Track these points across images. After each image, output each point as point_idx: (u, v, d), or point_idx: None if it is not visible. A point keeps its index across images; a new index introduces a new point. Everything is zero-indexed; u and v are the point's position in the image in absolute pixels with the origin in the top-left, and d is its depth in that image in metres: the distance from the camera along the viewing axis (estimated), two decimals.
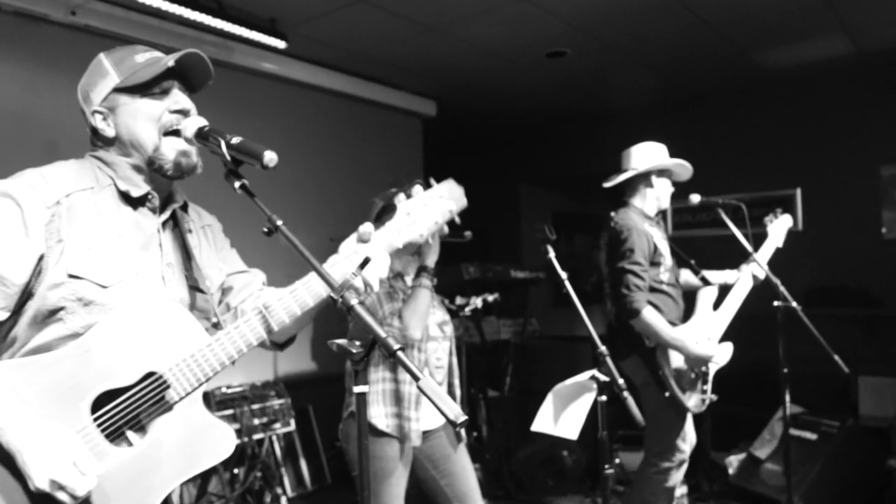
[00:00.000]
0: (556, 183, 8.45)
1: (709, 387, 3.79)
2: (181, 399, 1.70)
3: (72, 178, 1.77)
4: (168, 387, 1.68)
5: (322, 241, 4.27)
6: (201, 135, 1.77)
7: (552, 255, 2.86)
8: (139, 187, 1.84)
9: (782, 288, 3.78)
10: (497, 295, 4.91)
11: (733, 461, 5.10)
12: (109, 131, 1.86)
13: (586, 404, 2.84)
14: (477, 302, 4.47)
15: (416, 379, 1.40)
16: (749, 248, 3.84)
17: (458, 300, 4.59)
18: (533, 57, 6.05)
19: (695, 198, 3.84)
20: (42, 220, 1.67)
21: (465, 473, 3.21)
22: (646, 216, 3.99)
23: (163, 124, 1.82)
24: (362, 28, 5.37)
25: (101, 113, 1.86)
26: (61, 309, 1.66)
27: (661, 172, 4.02)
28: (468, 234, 2.29)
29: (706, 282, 4.11)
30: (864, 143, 6.31)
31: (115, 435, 1.65)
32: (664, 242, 3.98)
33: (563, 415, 2.82)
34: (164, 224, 1.90)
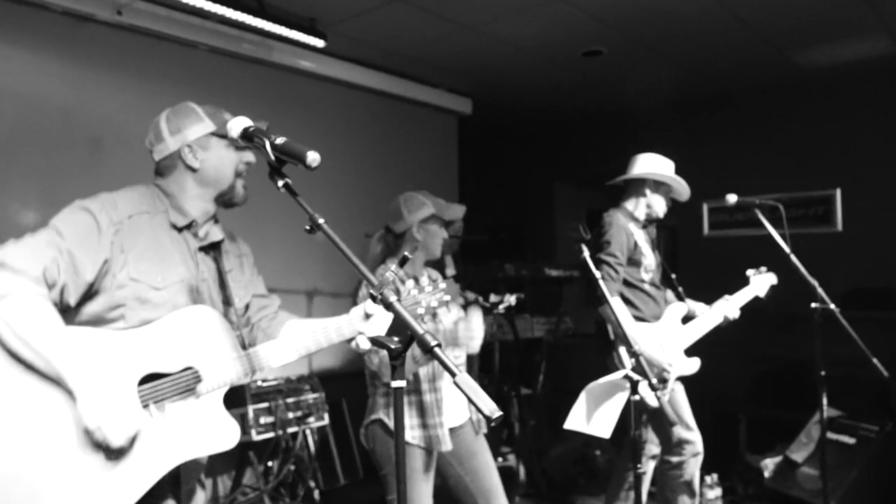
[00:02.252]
0: (589, 181, 8.44)
1: (666, 389, 3.76)
2: (207, 393, 2.09)
3: (135, 203, 2.16)
4: (200, 381, 2.09)
5: (358, 237, 4.33)
6: (246, 135, 1.83)
7: (586, 254, 2.87)
8: (185, 217, 2.22)
9: (820, 290, 3.74)
10: (525, 294, 4.92)
11: (769, 464, 5.04)
12: (195, 164, 2.22)
13: (619, 403, 2.85)
14: (511, 299, 4.47)
15: (453, 375, 1.43)
16: (786, 248, 3.80)
17: (493, 297, 4.60)
18: (568, 55, 6.05)
19: (731, 198, 3.82)
20: (110, 233, 2.05)
21: (488, 469, 3.24)
22: (634, 219, 4.09)
23: (238, 170, 2.29)
24: (399, 27, 5.42)
25: (191, 148, 2.21)
26: (123, 305, 2.05)
27: (658, 185, 4.07)
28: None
29: (681, 298, 4.19)
30: None
31: (143, 405, 2.01)
32: (648, 247, 4.06)
33: (596, 413, 2.84)
34: (203, 248, 2.29)
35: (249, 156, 2.28)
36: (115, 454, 1.92)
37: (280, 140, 1.74)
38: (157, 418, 2.00)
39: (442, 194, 3.41)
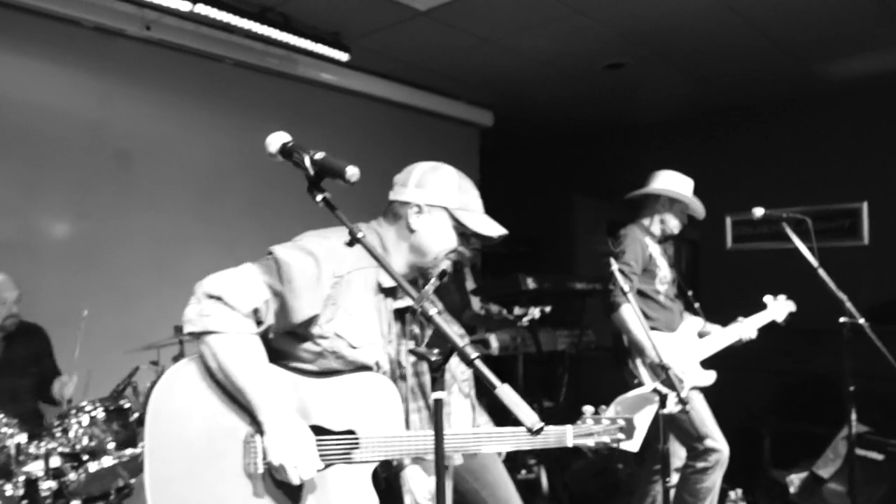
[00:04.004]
0: (609, 194, 8.45)
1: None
2: (360, 462, 2.09)
3: (359, 258, 2.10)
4: (357, 448, 2.08)
5: None
6: (285, 150, 1.84)
7: (615, 267, 2.88)
8: (391, 281, 2.16)
9: (849, 304, 3.71)
10: (550, 308, 4.92)
11: (794, 480, 4.98)
12: (414, 225, 2.22)
13: (648, 417, 2.85)
14: (535, 312, 4.49)
15: (494, 388, 1.45)
16: (814, 262, 3.78)
17: (517, 310, 4.61)
18: (589, 68, 6.08)
19: (758, 211, 3.79)
20: (328, 286, 2.05)
21: (503, 481, 3.20)
22: (649, 234, 4.14)
23: (447, 255, 2.24)
24: (422, 40, 5.47)
25: (420, 210, 2.22)
26: (319, 353, 2.09)
27: (674, 202, 4.11)
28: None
29: (697, 313, 4.23)
30: None
31: None
32: (663, 260, 4.12)
33: None
34: (396, 312, 2.25)
35: (464, 252, 2.29)
36: (271, 490, 2.00)
37: (319, 155, 1.76)
38: (318, 474, 2.05)
39: None
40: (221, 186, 5.37)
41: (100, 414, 3.50)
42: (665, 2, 4.75)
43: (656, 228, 4.16)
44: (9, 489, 3.06)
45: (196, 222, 5.21)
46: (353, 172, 1.69)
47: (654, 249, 4.08)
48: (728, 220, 7.21)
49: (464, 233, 2.23)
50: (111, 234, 4.81)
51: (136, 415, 3.64)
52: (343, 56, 5.38)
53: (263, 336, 2.04)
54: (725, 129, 7.41)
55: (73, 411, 3.45)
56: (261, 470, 1.97)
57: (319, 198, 1.77)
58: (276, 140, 1.87)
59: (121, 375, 3.97)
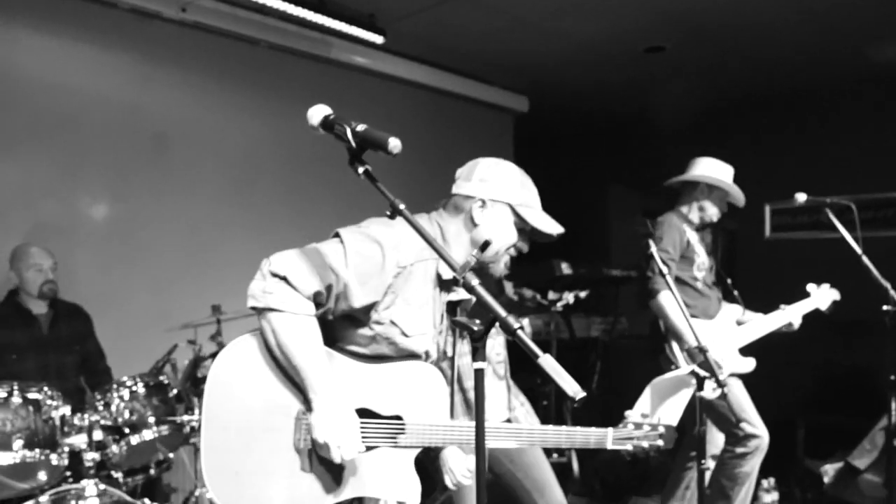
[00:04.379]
0: (646, 183, 8.38)
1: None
2: (404, 447, 2.16)
3: (422, 247, 2.13)
4: (403, 433, 2.14)
5: None
6: (326, 123, 1.85)
7: (654, 249, 2.86)
8: (449, 273, 2.16)
9: (892, 292, 3.64)
10: (588, 291, 4.91)
11: (829, 470, 4.93)
12: (477, 219, 2.27)
13: (684, 400, 2.83)
14: (569, 298, 4.48)
15: (536, 357, 1.45)
16: (858, 249, 3.71)
17: (551, 295, 4.60)
18: (629, 52, 6.00)
19: (800, 197, 3.73)
20: (390, 276, 2.09)
21: (539, 463, 3.19)
22: (688, 221, 4.13)
23: (507, 251, 2.30)
24: (458, 23, 5.44)
25: (483, 204, 2.27)
26: (372, 338, 2.14)
27: (713, 189, 4.07)
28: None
29: (736, 301, 4.19)
30: None
31: None
32: (701, 247, 4.10)
33: (660, 409, 2.81)
34: (449, 304, 2.30)
35: (524, 247, 2.35)
36: (317, 466, 2.07)
37: (361, 127, 1.76)
38: (363, 454, 2.11)
39: None
40: (256, 170, 5.40)
41: (140, 389, 3.59)
42: None
43: (695, 216, 4.13)
44: (54, 459, 3.17)
45: (231, 205, 5.25)
46: (395, 144, 1.70)
47: (692, 236, 4.06)
48: (767, 209, 7.11)
49: (522, 229, 2.28)
50: (148, 216, 4.86)
51: (174, 391, 3.73)
52: (378, 39, 5.37)
53: (322, 317, 2.08)
54: (765, 116, 7.27)
55: (115, 386, 3.56)
56: (309, 446, 2.04)
57: (361, 170, 1.78)
58: (318, 113, 1.87)
59: (158, 353, 4.03)
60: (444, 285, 2.25)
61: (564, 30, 5.54)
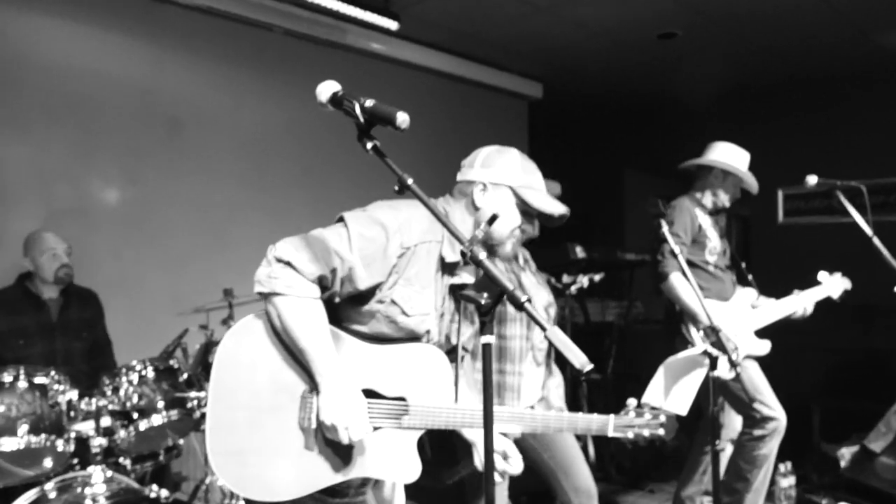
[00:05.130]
0: (660, 168, 8.35)
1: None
2: (407, 428, 2.17)
3: (425, 230, 2.18)
4: (406, 414, 2.16)
5: None
6: (335, 99, 1.85)
7: (665, 228, 2.84)
8: (455, 254, 2.23)
9: None
10: (603, 274, 4.89)
11: (845, 453, 4.94)
12: (479, 203, 2.28)
13: (697, 380, 2.82)
14: (583, 281, 4.46)
15: (544, 329, 1.45)
16: (869, 231, 3.69)
17: (565, 278, 4.58)
18: (643, 38, 5.97)
19: (812, 179, 3.71)
20: (394, 257, 2.11)
21: (565, 442, 3.21)
22: (701, 205, 4.12)
23: (512, 233, 2.29)
24: (472, 8, 5.42)
25: (485, 188, 2.29)
26: (373, 316, 2.17)
27: (727, 175, 4.06)
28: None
29: (750, 285, 4.19)
30: None
31: None
32: (714, 231, 4.09)
33: (673, 389, 2.81)
34: (451, 287, 2.31)
35: (529, 230, 2.37)
36: (320, 446, 2.09)
37: (369, 102, 1.76)
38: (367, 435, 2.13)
39: None
40: (270, 155, 5.41)
41: (150, 373, 3.49)
42: None
43: (708, 201, 4.13)
44: (60, 445, 3.10)
45: (245, 190, 5.26)
46: (403, 118, 1.70)
47: (705, 221, 4.05)
48: (780, 194, 7.12)
49: (527, 211, 2.28)
50: (162, 200, 4.87)
51: (185, 375, 3.65)
52: (392, 25, 5.35)
53: (329, 300, 2.12)
54: (779, 101, 7.25)
55: (125, 370, 3.48)
56: (314, 425, 2.07)
57: (369, 145, 1.78)
58: (327, 89, 1.87)
59: (170, 337, 4.00)
60: (448, 268, 2.27)
61: (579, 16, 5.51)
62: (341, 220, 2.14)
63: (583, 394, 5.67)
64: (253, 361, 2.08)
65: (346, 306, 2.18)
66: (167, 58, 4.92)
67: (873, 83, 6.66)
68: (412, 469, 2.19)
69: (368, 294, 2.14)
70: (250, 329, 2.10)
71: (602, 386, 5.91)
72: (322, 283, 2.07)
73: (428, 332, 2.26)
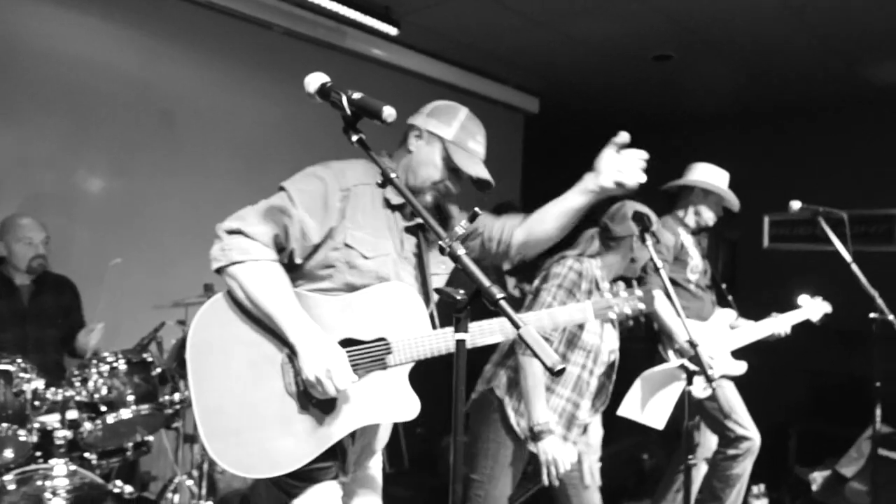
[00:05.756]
0: (652, 186, 8.36)
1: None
2: (394, 366, 2.15)
3: (360, 174, 2.25)
4: (390, 353, 2.14)
5: None
6: (323, 91, 1.86)
7: (650, 243, 2.85)
8: (398, 198, 2.27)
9: (879, 300, 3.70)
10: None
11: (817, 477, 5.00)
12: (411, 146, 2.34)
13: (674, 394, 2.82)
14: None
15: (518, 327, 1.44)
16: (848, 256, 3.76)
17: None
18: (638, 58, 6.00)
19: (795, 204, 3.80)
20: (337, 200, 2.17)
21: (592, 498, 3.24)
22: (683, 224, 4.19)
23: (436, 187, 2.33)
24: (473, 19, 5.42)
25: (419, 134, 2.34)
26: (333, 266, 2.18)
27: (708, 194, 4.13)
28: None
29: (730, 305, 4.24)
30: None
31: None
32: (695, 251, 4.15)
33: (650, 403, 2.81)
34: (408, 229, 2.34)
35: (458, 188, 2.38)
36: (312, 407, 2.08)
37: (357, 95, 1.79)
38: (354, 383, 2.11)
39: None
40: (265, 155, 5.38)
41: (122, 365, 3.40)
42: None
43: (690, 220, 4.19)
44: (23, 435, 3.02)
45: (237, 188, 5.21)
46: (389, 112, 1.72)
47: (687, 240, 4.12)
48: (766, 220, 7.23)
49: (456, 170, 2.30)
50: (150, 194, 4.83)
51: (158, 370, 3.57)
52: (392, 30, 5.37)
53: (291, 263, 2.16)
54: (767, 128, 7.35)
55: (95, 361, 3.38)
56: (301, 387, 2.08)
57: (355, 138, 1.80)
58: (315, 80, 1.89)
59: (149, 331, 3.96)
60: (397, 209, 2.31)
61: (577, 32, 5.54)
62: (281, 188, 2.20)
63: None
64: (225, 340, 2.08)
65: (306, 267, 2.20)
66: (163, 51, 4.89)
67: (860, 115, 6.77)
68: (410, 406, 2.17)
69: (324, 246, 2.17)
70: (216, 309, 2.11)
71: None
72: (276, 242, 2.11)
73: (397, 276, 2.26)
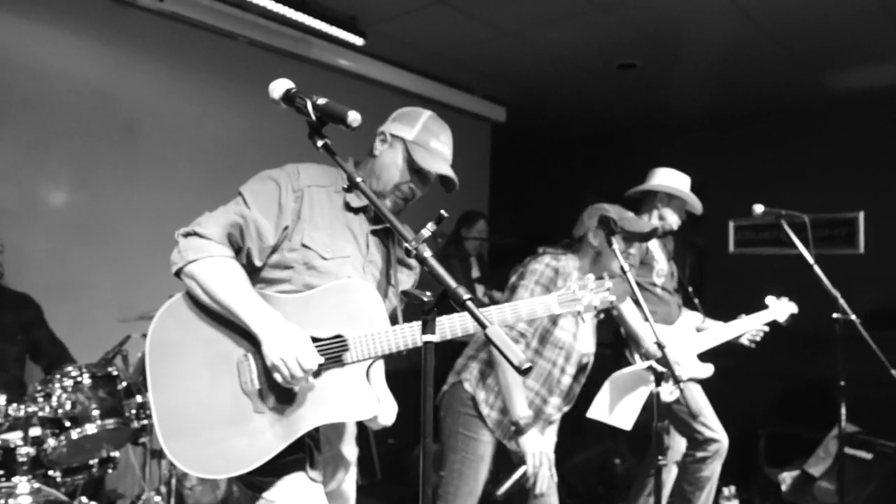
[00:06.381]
0: (621, 193, 8.45)
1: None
2: (352, 363, 2.13)
3: (314, 176, 2.26)
4: (347, 350, 2.12)
5: None
6: (288, 96, 1.87)
7: (616, 245, 2.87)
8: (360, 200, 2.29)
9: (842, 301, 3.77)
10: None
11: (786, 478, 5.06)
12: (375, 151, 2.36)
13: (642, 396, 2.84)
14: None
15: (484, 327, 1.44)
16: (810, 258, 3.82)
17: None
18: (604, 67, 6.06)
19: (758, 208, 3.86)
20: (291, 200, 2.18)
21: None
22: None
23: (400, 189, 2.32)
24: (439, 29, 5.45)
25: (384, 138, 2.35)
26: (291, 268, 2.18)
27: (672, 198, 4.16)
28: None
29: (696, 309, 4.29)
30: None
31: None
32: (661, 254, 4.19)
33: (618, 405, 2.83)
34: (374, 232, 2.35)
35: (422, 189, 2.36)
36: (269, 406, 2.07)
37: (322, 100, 1.79)
38: (311, 381, 2.10)
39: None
40: (231, 166, 5.31)
41: (86, 380, 3.33)
42: (681, 4, 4.73)
43: (655, 224, 4.19)
44: None
45: (202, 199, 5.07)
46: (354, 117, 1.72)
47: (652, 243, 4.16)
48: (731, 225, 7.33)
49: (419, 171, 2.30)
50: (114, 206, 4.76)
51: (124, 384, 3.50)
52: (358, 41, 5.37)
53: (250, 267, 2.17)
54: (732, 135, 7.46)
55: (58, 375, 3.30)
56: (258, 385, 2.07)
57: (320, 143, 1.80)
58: (280, 86, 1.90)
59: (113, 346, 3.88)
60: (359, 212, 2.31)
61: (543, 41, 5.58)
62: (238, 193, 2.21)
63: None
64: (183, 341, 2.08)
65: (265, 270, 2.20)
66: (127, 61, 4.83)
67: (818, 121, 6.91)
68: (369, 404, 2.14)
69: (281, 247, 2.18)
70: (175, 310, 2.11)
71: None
72: (232, 241, 2.13)
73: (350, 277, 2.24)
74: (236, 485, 2.17)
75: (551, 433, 3.30)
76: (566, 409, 3.24)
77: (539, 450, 2.88)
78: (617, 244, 2.88)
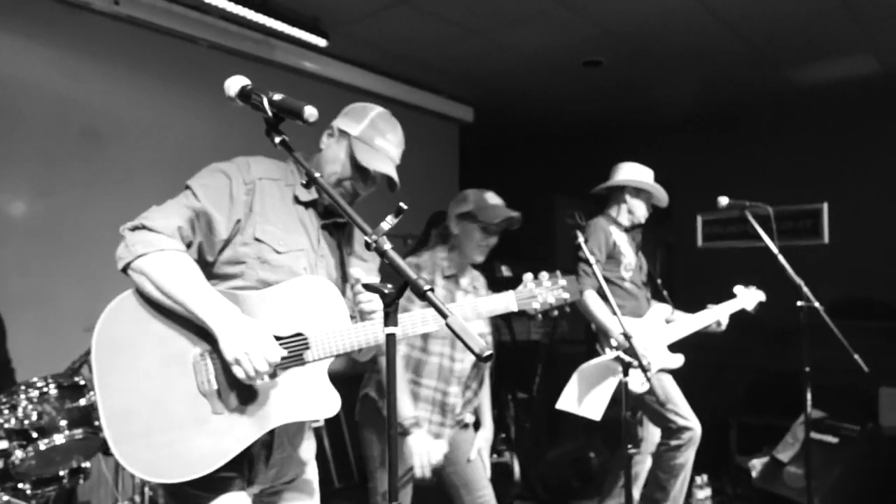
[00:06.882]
0: (588, 192, 8.49)
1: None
2: (313, 361, 2.09)
3: (265, 169, 2.23)
4: (308, 348, 2.08)
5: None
6: (244, 93, 1.86)
7: (581, 240, 2.89)
8: (310, 195, 2.26)
9: (806, 289, 3.83)
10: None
11: (756, 464, 5.15)
12: (322, 144, 2.33)
13: (611, 386, 2.85)
14: None
15: (445, 317, 1.44)
16: (774, 248, 3.87)
17: None
18: (570, 65, 6.08)
19: (723, 200, 3.90)
20: (242, 193, 2.14)
21: (467, 459, 3.29)
22: (616, 223, 4.30)
23: (343, 185, 2.28)
24: (404, 30, 5.43)
25: (331, 132, 2.33)
26: (244, 262, 2.13)
27: (639, 191, 4.24)
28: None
29: (665, 300, 4.34)
30: (891, 160, 6.45)
31: None
32: (629, 248, 4.25)
33: (587, 396, 2.84)
34: (324, 227, 2.31)
35: (364, 188, 2.33)
36: (228, 406, 2.00)
37: (278, 96, 1.78)
38: (271, 381, 2.05)
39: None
40: (194, 170, 5.18)
41: (52, 390, 3.28)
42: (646, 1, 4.78)
43: (623, 218, 4.30)
44: None
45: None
46: (310, 112, 1.71)
47: (620, 237, 4.21)
48: (699, 220, 7.48)
49: (363, 169, 2.26)
50: (75, 213, 4.66)
51: (91, 393, 3.41)
52: (321, 42, 5.33)
53: (202, 263, 2.10)
54: (699, 131, 7.58)
55: (23, 387, 3.25)
56: (216, 386, 2.00)
57: (277, 140, 1.79)
58: (235, 83, 1.88)
59: (79, 355, 3.77)
60: (309, 206, 2.28)
61: (510, 41, 5.59)
62: (186, 186, 2.16)
63: (510, 414, 5.69)
64: (134, 338, 1.99)
65: (217, 266, 2.14)
66: (84, 67, 4.75)
67: (783, 115, 7.04)
68: (330, 403, 2.10)
69: (233, 242, 2.12)
70: (122, 307, 2.03)
71: (529, 405, 5.94)
72: (182, 235, 2.05)
73: (306, 270, 2.21)
74: (163, 498, 2.06)
75: (466, 436, 3.37)
76: (479, 389, 3.35)
77: (424, 450, 2.97)
78: (581, 238, 2.90)
